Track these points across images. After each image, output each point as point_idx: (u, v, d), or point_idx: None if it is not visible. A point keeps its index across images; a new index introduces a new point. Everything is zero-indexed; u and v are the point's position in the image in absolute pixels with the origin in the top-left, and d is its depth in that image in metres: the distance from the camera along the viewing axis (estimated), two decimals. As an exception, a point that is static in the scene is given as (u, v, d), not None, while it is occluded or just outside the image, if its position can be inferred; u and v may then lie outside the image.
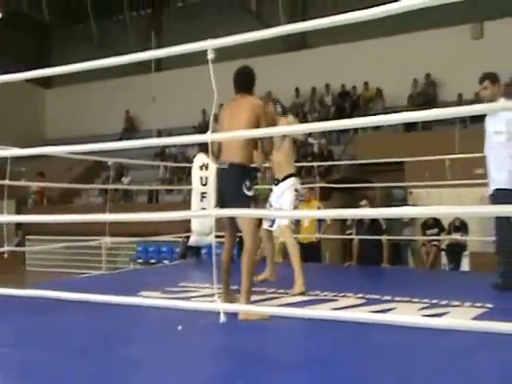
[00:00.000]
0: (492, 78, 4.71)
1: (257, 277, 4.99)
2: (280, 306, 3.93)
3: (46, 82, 20.62)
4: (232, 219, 3.90)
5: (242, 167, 3.88)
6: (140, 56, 2.86)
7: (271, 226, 5.06)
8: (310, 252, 7.53)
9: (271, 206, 5.05)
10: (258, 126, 3.83)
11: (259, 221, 4.37)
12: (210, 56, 2.52)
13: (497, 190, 4.54)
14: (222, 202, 3.85)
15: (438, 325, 2.19)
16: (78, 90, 19.56)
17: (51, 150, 3.48)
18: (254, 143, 4.01)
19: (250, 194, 3.83)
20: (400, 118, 2.31)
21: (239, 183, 3.81)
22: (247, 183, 3.84)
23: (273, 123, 4.41)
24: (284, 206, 4.87)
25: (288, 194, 4.92)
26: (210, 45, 2.52)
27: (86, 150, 2.91)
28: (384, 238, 7.21)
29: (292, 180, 4.99)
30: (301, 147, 14.10)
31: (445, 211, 2.44)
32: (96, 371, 2.54)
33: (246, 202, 3.72)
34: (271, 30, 2.48)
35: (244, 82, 4.09)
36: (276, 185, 5.05)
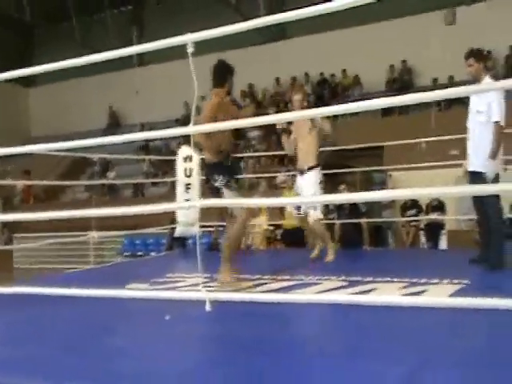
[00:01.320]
0: (477, 55, 4.62)
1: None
2: (266, 292, 3.94)
3: (29, 81, 20.54)
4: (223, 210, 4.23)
5: (211, 165, 4.14)
6: (121, 52, 2.83)
7: (298, 211, 5.42)
8: (294, 237, 7.73)
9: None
10: (209, 117, 3.95)
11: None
12: (190, 50, 2.53)
13: (473, 172, 4.58)
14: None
15: (414, 303, 2.30)
16: (61, 88, 19.52)
17: (36, 148, 3.49)
18: (219, 138, 4.07)
19: (217, 184, 4.09)
20: (379, 103, 2.39)
21: (214, 180, 4.10)
22: (221, 177, 4.09)
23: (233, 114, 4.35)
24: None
25: (313, 186, 5.21)
26: (189, 39, 2.53)
27: (70, 147, 2.91)
28: (363, 220, 7.42)
29: (317, 171, 5.28)
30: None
31: (419, 193, 2.57)
32: (84, 363, 2.52)
33: (216, 194, 4.06)
34: (250, 23, 2.50)
35: (215, 77, 4.24)
36: (302, 175, 5.30)
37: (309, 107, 5.11)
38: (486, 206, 4.54)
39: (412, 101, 2.36)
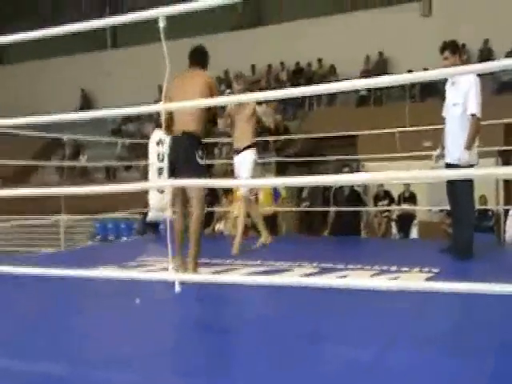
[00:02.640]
0: (452, 47, 4.61)
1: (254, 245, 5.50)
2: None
3: (-2, 59, 20.15)
4: (183, 187, 4.00)
5: (195, 136, 4.04)
6: (91, 24, 2.74)
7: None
8: (266, 224, 7.75)
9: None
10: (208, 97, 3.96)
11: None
12: (161, 24, 2.46)
13: (449, 164, 4.60)
14: (173, 171, 4.01)
15: (386, 286, 2.32)
16: (31, 68, 19.14)
17: (3, 122, 3.41)
18: (206, 116, 4.14)
19: (202, 162, 4.01)
20: (348, 85, 2.38)
21: (192, 151, 3.98)
22: (200, 152, 4.02)
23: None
24: (242, 175, 5.19)
25: (247, 164, 5.21)
26: (160, 12, 2.45)
27: (40, 122, 2.85)
28: (334, 209, 7.45)
29: (252, 151, 5.29)
30: (257, 123, 14.27)
31: (390, 176, 2.60)
32: (46, 343, 2.52)
33: (198, 170, 3.91)
34: None
35: (200, 58, 4.28)
36: (237, 154, 5.33)
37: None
38: (459, 196, 4.59)
39: (383, 83, 2.38)
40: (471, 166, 4.46)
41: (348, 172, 7.48)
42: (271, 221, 8.06)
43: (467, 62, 11.98)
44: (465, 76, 4.46)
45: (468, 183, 4.50)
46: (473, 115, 4.45)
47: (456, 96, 4.56)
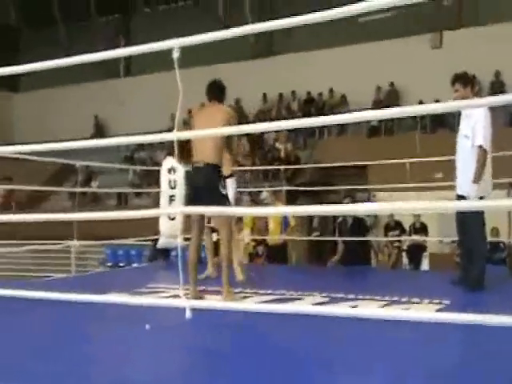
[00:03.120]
0: (463, 79, 4.59)
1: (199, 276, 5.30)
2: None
3: (13, 86, 20.45)
4: (202, 217, 4.14)
5: (217, 166, 4.15)
6: (106, 54, 2.82)
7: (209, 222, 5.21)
8: (277, 253, 7.75)
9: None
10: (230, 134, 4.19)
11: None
12: (175, 55, 2.50)
13: (459, 196, 4.59)
14: (194, 201, 4.07)
15: (398, 316, 2.27)
16: (46, 95, 19.45)
17: (19, 149, 3.48)
18: (224, 148, 4.25)
19: (224, 192, 4.16)
20: (358, 116, 2.42)
21: (215, 181, 4.11)
22: (222, 182, 4.17)
23: None
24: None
25: (231, 192, 5.17)
26: (175, 43, 2.50)
27: (55, 149, 2.90)
28: (340, 239, 7.39)
29: (233, 179, 5.35)
30: (268, 152, 14.38)
31: (398, 207, 2.64)
32: (57, 369, 2.52)
33: (222, 200, 4.04)
34: (235, 30, 2.48)
35: (218, 92, 4.40)
36: None
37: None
38: (470, 227, 4.56)
39: (397, 114, 2.41)
40: (481, 198, 4.42)
41: (348, 203, 7.47)
42: (281, 250, 8.06)
43: (478, 94, 12.04)
44: (477, 109, 4.44)
45: (479, 215, 4.48)
46: (479, 147, 4.42)
47: (467, 128, 4.55)
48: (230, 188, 5.26)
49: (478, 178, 4.42)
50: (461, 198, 4.56)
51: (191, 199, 4.16)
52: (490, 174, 4.57)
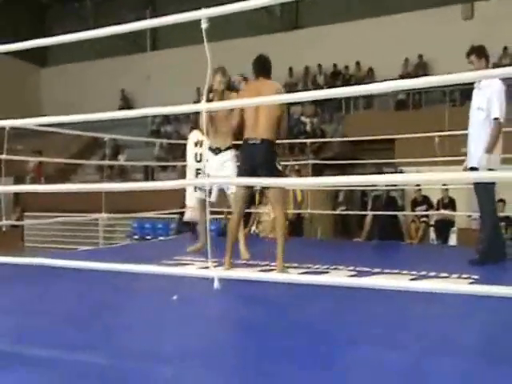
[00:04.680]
0: (478, 52, 4.61)
1: (189, 248, 5.40)
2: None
3: (41, 61, 20.60)
4: (247, 193, 4.23)
5: (273, 144, 4.19)
6: (134, 26, 2.82)
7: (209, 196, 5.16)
8: (292, 228, 7.81)
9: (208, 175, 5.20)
10: (281, 110, 4.18)
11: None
12: (204, 25, 2.49)
13: (472, 168, 4.58)
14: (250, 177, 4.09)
15: (429, 288, 2.28)
16: (73, 70, 19.56)
17: (47, 120, 3.51)
18: (277, 124, 4.24)
19: (280, 168, 4.25)
20: (388, 86, 2.38)
21: (273, 159, 4.17)
22: (277, 159, 4.23)
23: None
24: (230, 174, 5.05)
25: (231, 165, 5.13)
26: (203, 14, 2.49)
27: (83, 120, 2.95)
28: (371, 213, 7.39)
29: (233, 151, 5.21)
30: (294, 126, 14.30)
31: (417, 178, 2.64)
32: (86, 336, 2.56)
33: (279, 177, 4.19)
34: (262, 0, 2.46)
35: (266, 68, 4.37)
36: (217, 154, 5.17)
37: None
38: (479, 198, 4.57)
39: (424, 84, 2.40)
40: (491, 170, 4.41)
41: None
42: (296, 224, 8.16)
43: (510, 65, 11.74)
44: (490, 81, 4.44)
45: (488, 187, 4.48)
46: (495, 119, 4.45)
47: (481, 100, 4.56)
48: (232, 160, 5.18)
49: (490, 149, 4.44)
50: (473, 170, 4.56)
51: (248, 175, 4.12)
52: (500, 148, 4.59)
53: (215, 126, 5.12)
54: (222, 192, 5.23)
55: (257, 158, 4.13)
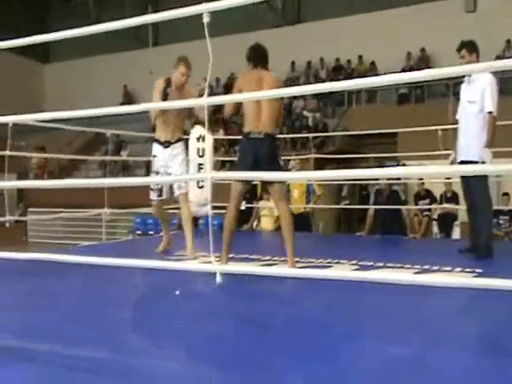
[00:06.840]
0: (469, 46, 4.58)
1: (157, 249, 5.17)
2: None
3: (44, 57, 20.61)
4: (244, 188, 4.10)
5: (275, 138, 4.11)
6: (136, 21, 2.82)
7: (160, 196, 5.06)
8: (301, 222, 7.72)
9: (158, 173, 4.99)
10: (281, 102, 4.15)
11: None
12: (206, 19, 2.47)
13: (466, 161, 4.52)
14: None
15: (433, 282, 2.27)
16: (76, 65, 19.58)
17: (50, 116, 3.47)
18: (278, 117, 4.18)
19: (282, 164, 4.21)
20: (389, 79, 2.34)
21: (276, 154, 4.06)
22: (279, 154, 4.16)
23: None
24: (180, 172, 4.92)
25: (182, 157, 5.00)
26: (205, 8, 2.48)
27: (85, 115, 2.94)
28: (374, 207, 7.36)
29: (183, 144, 5.08)
30: (296, 120, 14.29)
31: (418, 171, 2.67)
32: (88, 332, 2.56)
33: (282, 171, 4.15)
34: None
35: (264, 57, 4.28)
36: (166, 147, 4.99)
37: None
38: (475, 192, 4.56)
39: (426, 77, 2.34)
40: (483, 163, 4.41)
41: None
42: (306, 219, 8.05)
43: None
44: (481, 74, 4.43)
45: (484, 181, 4.48)
46: (490, 113, 4.44)
47: (472, 94, 4.54)
48: (182, 152, 5.02)
49: (491, 143, 4.44)
50: (466, 163, 4.51)
51: (250, 170, 3.99)
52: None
53: (166, 118, 4.93)
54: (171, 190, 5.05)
55: (261, 153, 3.98)
